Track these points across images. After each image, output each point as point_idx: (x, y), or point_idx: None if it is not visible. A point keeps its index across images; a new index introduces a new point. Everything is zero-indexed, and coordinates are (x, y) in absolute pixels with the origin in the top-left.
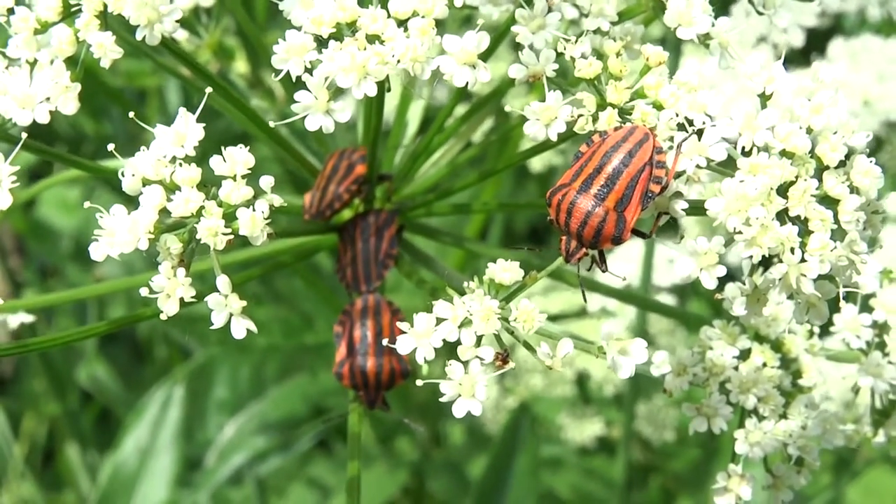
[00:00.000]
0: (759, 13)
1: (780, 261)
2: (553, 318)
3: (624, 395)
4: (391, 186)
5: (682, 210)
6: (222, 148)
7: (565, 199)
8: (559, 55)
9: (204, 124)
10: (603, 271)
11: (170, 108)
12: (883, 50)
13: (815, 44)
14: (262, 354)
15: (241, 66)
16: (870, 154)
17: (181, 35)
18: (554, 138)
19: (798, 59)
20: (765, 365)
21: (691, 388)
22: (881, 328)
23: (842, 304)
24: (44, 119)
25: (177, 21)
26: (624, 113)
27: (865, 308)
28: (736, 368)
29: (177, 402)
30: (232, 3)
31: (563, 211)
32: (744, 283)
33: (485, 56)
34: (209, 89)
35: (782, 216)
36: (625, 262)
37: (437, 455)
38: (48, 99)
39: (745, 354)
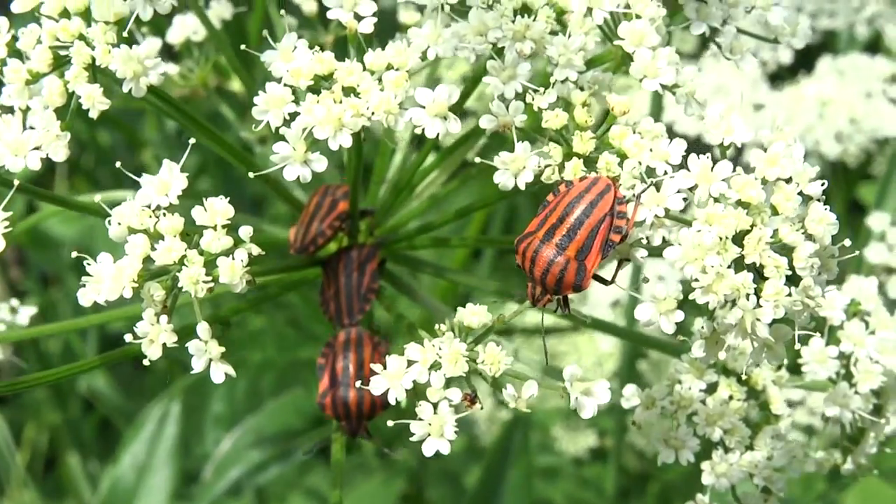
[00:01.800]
0: (727, 59)
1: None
2: (547, 331)
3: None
4: (374, 220)
5: (642, 258)
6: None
7: (530, 247)
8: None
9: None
10: (566, 314)
11: (168, 123)
12: (871, 67)
13: (806, 59)
14: (258, 368)
15: (236, 84)
16: (860, 167)
17: (172, 69)
18: (522, 187)
19: (788, 74)
20: (731, 398)
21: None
22: (848, 359)
23: (797, 345)
24: (35, 166)
25: (161, 74)
26: (589, 162)
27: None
28: (703, 402)
29: (173, 418)
30: (219, 42)
31: (528, 259)
32: (702, 327)
33: (457, 107)
34: (192, 140)
35: (739, 262)
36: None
37: (435, 464)
38: (39, 147)
39: (712, 388)
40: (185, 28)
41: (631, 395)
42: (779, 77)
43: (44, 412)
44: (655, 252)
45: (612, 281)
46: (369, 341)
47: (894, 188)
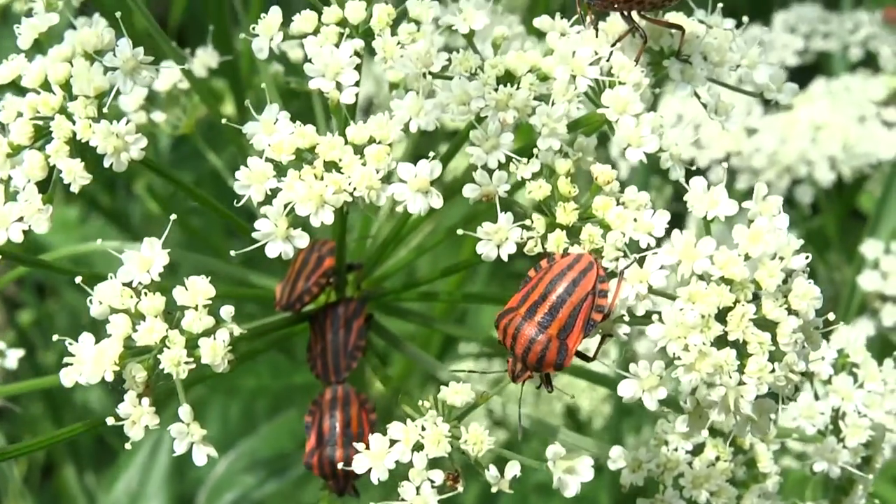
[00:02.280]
0: (711, 118)
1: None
2: None
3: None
4: (361, 274)
5: (625, 334)
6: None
7: (511, 324)
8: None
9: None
10: (549, 391)
11: (161, 149)
12: (864, 90)
13: (801, 77)
14: (251, 394)
15: (228, 108)
16: (852, 187)
17: (159, 117)
18: (505, 258)
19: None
20: (718, 458)
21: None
22: (836, 413)
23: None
24: (17, 239)
25: (142, 149)
26: (573, 233)
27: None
28: (690, 464)
29: (167, 445)
30: (203, 96)
31: (510, 336)
32: (686, 402)
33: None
34: (174, 216)
35: (722, 338)
36: None
37: None
38: (21, 218)
39: (699, 448)
40: (173, 76)
41: (617, 458)
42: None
43: (40, 425)
44: (639, 322)
45: (595, 357)
46: (356, 399)
47: (888, 213)
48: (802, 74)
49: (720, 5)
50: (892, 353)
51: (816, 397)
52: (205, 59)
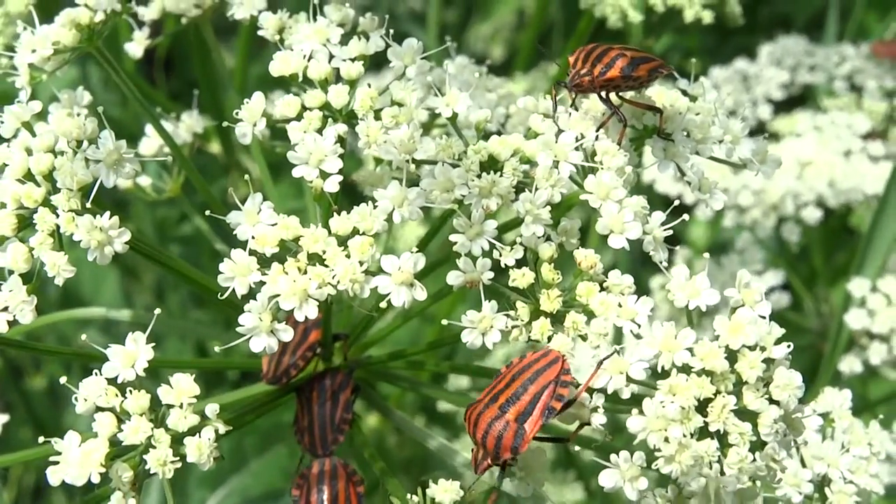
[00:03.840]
0: (695, 196)
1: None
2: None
3: None
4: (347, 344)
5: (601, 425)
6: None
7: (475, 412)
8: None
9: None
10: (507, 478)
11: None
12: (850, 125)
13: (788, 108)
14: (241, 430)
15: (214, 147)
16: (839, 216)
17: (145, 181)
18: (490, 347)
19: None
20: None
21: None
22: (822, 480)
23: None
24: (2, 328)
25: (126, 242)
26: (557, 320)
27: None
28: None
29: (155, 485)
30: (185, 165)
31: (472, 422)
32: (667, 492)
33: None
34: (157, 310)
35: (703, 429)
36: None
37: None
38: (6, 308)
39: None
40: (158, 139)
41: None
42: (759, 131)
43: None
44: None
45: (570, 440)
46: (343, 473)
47: (875, 250)
48: (790, 105)
49: (703, 79)
50: (883, 387)
51: (803, 464)
52: (190, 123)
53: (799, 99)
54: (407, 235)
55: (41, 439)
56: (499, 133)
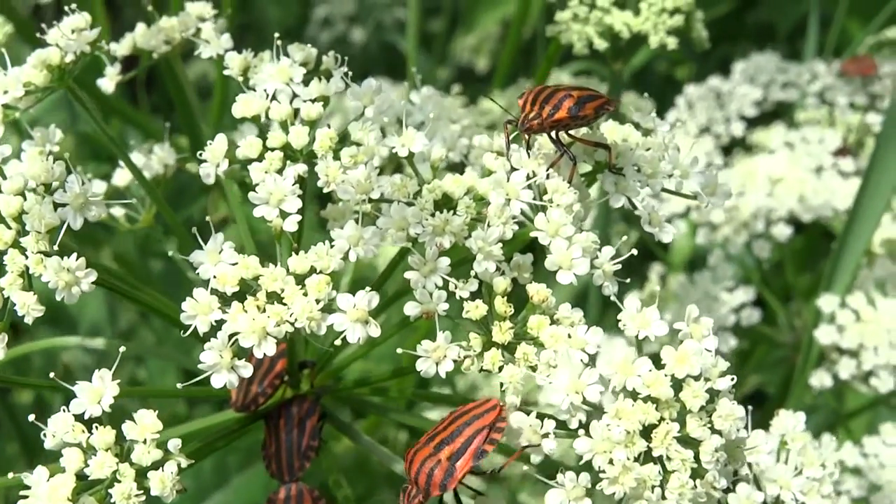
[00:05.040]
0: (647, 231)
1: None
2: None
3: None
4: (314, 371)
5: (550, 450)
6: None
7: (412, 451)
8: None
9: None
10: None
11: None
12: (823, 141)
13: (764, 122)
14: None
15: (193, 167)
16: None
17: (119, 212)
18: (443, 375)
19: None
20: None
21: None
22: (775, 502)
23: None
24: None
25: (93, 283)
26: (508, 351)
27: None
28: None
29: None
30: (155, 199)
31: (408, 460)
32: None
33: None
34: (122, 348)
35: (647, 454)
36: None
37: None
38: None
39: None
40: (128, 175)
41: None
42: (736, 144)
43: (16, 468)
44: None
45: (499, 472)
46: (310, 498)
47: (844, 266)
48: (765, 118)
49: (653, 113)
50: (860, 398)
51: (758, 486)
52: (162, 156)
53: (774, 115)
54: (388, 251)
55: (10, 475)
56: (462, 164)
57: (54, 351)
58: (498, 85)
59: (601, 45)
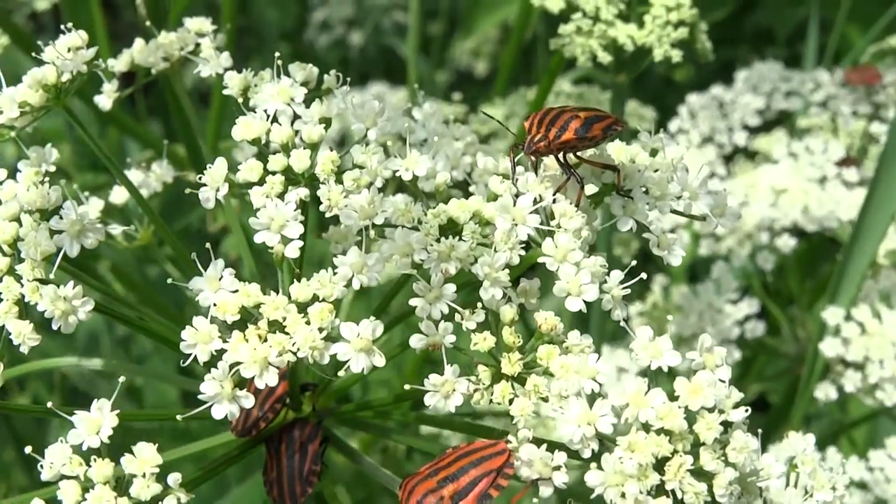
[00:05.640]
0: (656, 254)
1: None
2: None
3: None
4: (316, 393)
5: (563, 484)
6: None
7: (412, 482)
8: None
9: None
10: None
11: None
12: (826, 151)
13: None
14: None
15: (191, 176)
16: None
17: (116, 230)
18: (452, 410)
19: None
20: None
21: None
22: None
23: None
24: None
25: (89, 312)
26: (518, 382)
27: None
28: None
29: None
30: (152, 218)
31: (407, 490)
32: None
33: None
34: (122, 378)
35: (660, 486)
36: None
37: None
38: None
39: None
40: (125, 193)
41: None
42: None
43: (13, 474)
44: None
45: None
46: None
47: (849, 278)
48: (768, 126)
49: (661, 133)
50: (856, 406)
51: None
52: (160, 174)
53: (776, 123)
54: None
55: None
56: (466, 183)
57: (53, 353)
58: (499, 90)
59: (604, 58)
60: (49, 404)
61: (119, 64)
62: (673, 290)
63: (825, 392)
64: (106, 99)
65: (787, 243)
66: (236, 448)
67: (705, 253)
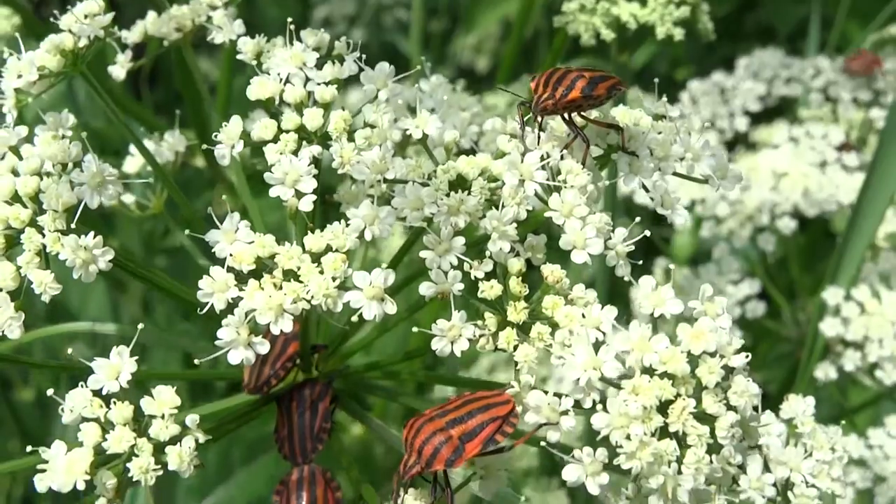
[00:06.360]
0: (660, 213)
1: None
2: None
3: None
4: (326, 354)
5: (570, 428)
6: None
7: (419, 421)
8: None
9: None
10: (444, 489)
11: None
12: (826, 136)
13: (768, 119)
14: (228, 441)
15: (199, 161)
16: (816, 223)
17: (129, 199)
18: (458, 354)
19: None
20: None
21: None
22: (785, 484)
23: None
24: None
25: (110, 260)
26: (523, 331)
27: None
28: None
29: (141, 495)
30: (166, 182)
31: (413, 429)
32: (627, 489)
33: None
34: (141, 325)
35: (664, 429)
36: None
37: None
38: None
39: None
40: (141, 158)
41: None
42: (737, 141)
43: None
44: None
45: (512, 447)
46: (322, 479)
47: (849, 259)
48: (769, 116)
49: (664, 97)
50: (858, 385)
51: (767, 468)
52: (172, 143)
53: (777, 110)
54: (392, 246)
55: (28, 448)
56: (472, 151)
57: (57, 346)
58: (502, 80)
59: (608, 35)
60: (69, 350)
61: (132, 35)
62: (675, 274)
63: (825, 372)
64: (119, 69)
65: (787, 225)
66: (247, 407)
67: (707, 235)
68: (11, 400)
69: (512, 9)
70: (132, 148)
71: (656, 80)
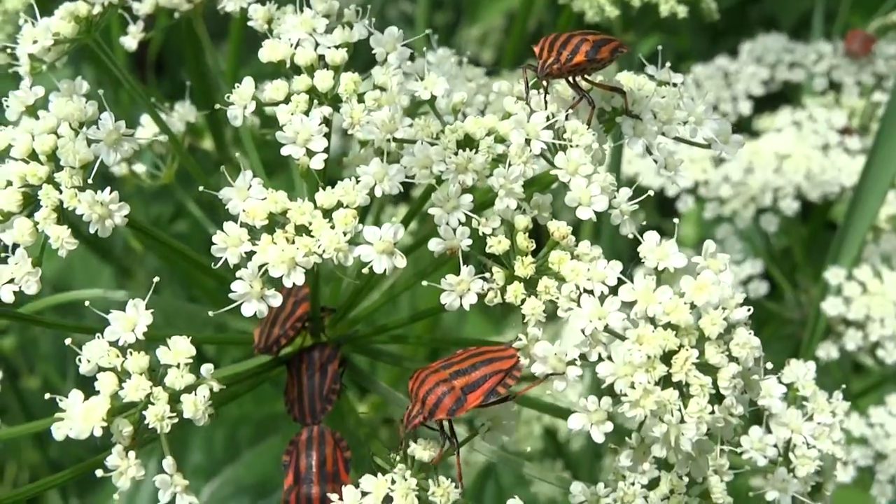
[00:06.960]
0: (663, 175)
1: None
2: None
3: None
4: (335, 318)
5: (577, 377)
6: None
7: (424, 372)
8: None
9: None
10: (450, 442)
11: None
12: (829, 120)
13: (771, 104)
14: (235, 421)
15: (207, 143)
16: (819, 207)
17: (140, 168)
18: (467, 308)
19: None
20: (672, 492)
21: None
22: (786, 445)
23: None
24: (8, 299)
25: (125, 216)
26: (530, 285)
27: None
28: (646, 498)
29: (151, 473)
30: (178, 152)
31: (418, 380)
32: (630, 438)
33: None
34: (156, 279)
35: (667, 379)
36: None
37: None
38: (12, 280)
39: (654, 483)
40: (151, 128)
41: (578, 493)
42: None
43: (24, 451)
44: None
45: (517, 397)
46: (331, 439)
47: (851, 239)
48: (773, 101)
49: (668, 64)
50: (861, 372)
51: (768, 430)
52: (183, 112)
53: (780, 95)
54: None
55: (46, 396)
56: None
57: (62, 334)
58: (505, 68)
59: (612, 12)
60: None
61: (144, 6)
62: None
63: (827, 351)
64: (131, 40)
65: (790, 206)
66: (257, 368)
67: (710, 216)
68: (18, 388)
69: (515, 1)
70: (142, 119)
71: (668, 63)
